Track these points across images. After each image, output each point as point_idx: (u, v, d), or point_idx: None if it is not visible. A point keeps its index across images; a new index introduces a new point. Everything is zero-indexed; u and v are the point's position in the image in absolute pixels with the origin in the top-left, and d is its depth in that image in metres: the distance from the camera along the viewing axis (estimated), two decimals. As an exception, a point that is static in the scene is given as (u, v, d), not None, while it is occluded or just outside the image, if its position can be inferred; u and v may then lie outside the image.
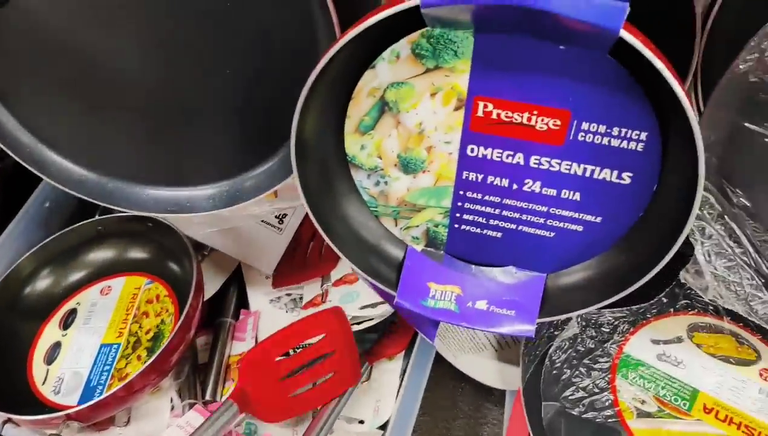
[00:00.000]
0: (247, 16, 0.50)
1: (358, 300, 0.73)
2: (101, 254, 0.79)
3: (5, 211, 0.84)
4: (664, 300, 0.66)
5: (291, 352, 0.68)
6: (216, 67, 0.52)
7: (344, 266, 0.78)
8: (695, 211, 0.44)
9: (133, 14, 0.50)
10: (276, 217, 0.83)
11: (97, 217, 0.80)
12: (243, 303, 0.82)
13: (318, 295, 0.77)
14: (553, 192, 0.50)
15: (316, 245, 0.81)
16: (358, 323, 0.71)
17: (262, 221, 0.82)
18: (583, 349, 0.64)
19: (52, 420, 0.63)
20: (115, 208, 0.61)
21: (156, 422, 0.70)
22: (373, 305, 0.72)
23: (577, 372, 0.63)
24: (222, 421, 0.62)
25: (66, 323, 0.75)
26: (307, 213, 0.81)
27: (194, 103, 0.55)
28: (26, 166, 0.58)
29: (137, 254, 0.79)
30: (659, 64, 0.40)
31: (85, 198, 0.60)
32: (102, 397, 0.64)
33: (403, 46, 0.46)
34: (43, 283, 0.77)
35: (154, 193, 0.61)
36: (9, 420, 0.64)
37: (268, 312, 0.79)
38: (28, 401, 0.69)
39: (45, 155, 0.59)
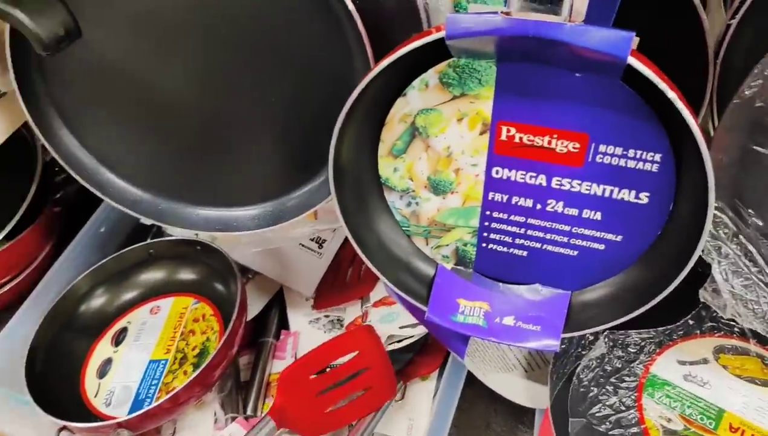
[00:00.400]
0: (291, 50, 0.54)
1: (398, 320, 0.76)
2: (152, 276, 0.84)
3: (65, 235, 0.90)
4: (690, 322, 0.68)
5: (327, 369, 0.71)
6: (262, 96, 0.57)
7: (384, 289, 0.81)
8: (707, 230, 0.46)
9: (185, 46, 0.55)
10: (316, 242, 0.87)
11: (148, 240, 0.85)
12: (284, 324, 0.85)
13: (358, 316, 0.80)
14: (575, 212, 0.53)
15: (355, 269, 0.85)
16: (398, 342, 0.74)
17: (303, 245, 0.86)
18: (610, 368, 0.66)
19: (104, 428, 0.67)
20: (167, 226, 0.65)
21: (200, 434, 0.73)
22: (413, 326, 0.75)
23: (604, 390, 0.64)
24: (256, 436, 0.66)
25: (117, 341, 0.80)
26: (345, 237, 0.86)
27: (241, 129, 0.59)
28: (87, 186, 0.63)
29: (186, 275, 0.83)
30: (670, 93, 0.42)
31: (140, 217, 0.65)
32: (150, 407, 0.67)
33: (432, 75, 0.50)
34: (97, 302, 0.82)
35: (203, 212, 0.65)
36: (64, 428, 0.68)
37: (307, 333, 0.82)
38: (81, 413, 0.73)
39: (104, 177, 0.64)
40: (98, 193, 0.64)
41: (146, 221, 0.88)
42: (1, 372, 0.78)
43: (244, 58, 0.55)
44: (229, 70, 0.56)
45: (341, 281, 0.85)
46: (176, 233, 0.87)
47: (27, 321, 0.79)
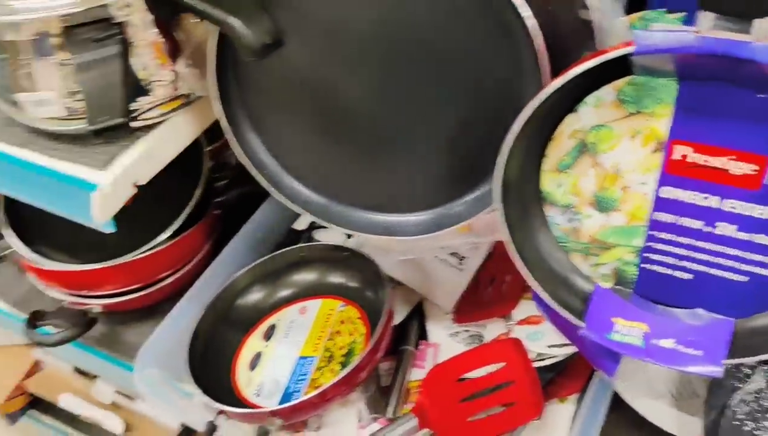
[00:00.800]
0: (466, 64, 0.57)
1: (545, 339, 0.76)
2: (303, 277, 0.88)
3: (223, 236, 0.96)
4: None
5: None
6: (435, 108, 0.60)
7: (528, 307, 0.81)
8: None
9: (370, 58, 0.59)
10: (457, 257, 0.89)
11: (301, 244, 0.89)
12: (423, 335, 0.87)
13: (501, 333, 0.81)
14: (747, 236, 0.52)
15: (496, 287, 0.86)
16: (541, 360, 0.74)
17: (444, 260, 0.88)
18: (767, 404, 0.63)
19: (259, 415, 0.72)
20: (333, 226, 0.69)
21: (344, 431, 0.76)
22: (560, 345, 0.75)
23: (760, 426, 0.62)
24: (400, 430, 0.68)
25: (267, 336, 0.85)
26: (486, 255, 0.87)
27: (412, 139, 0.63)
28: (267, 187, 0.68)
29: (334, 279, 0.87)
30: None
31: (310, 216, 0.69)
32: (300, 400, 0.71)
33: (608, 92, 0.51)
34: (253, 297, 0.87)
35: (369, 216, 0.68)
36: (222, 412, 0.73)
37: (447, 345, 0.84)
38: (234, 401, 0.77)
39: (281, 178, 0.69)
40: (276, 194, 0.68)
41: (299, 226, 0.94)
42: (161, 357, 0.83)
43: (422, 72, 0.58)
44: (408, 82, 0.59)
45: (482, 298, 0.86)
46: (326, 238, 0.91)
47: (187, 312, 0.85)
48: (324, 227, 0.91)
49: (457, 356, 0.71)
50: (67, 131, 0.62)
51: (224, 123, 0.64)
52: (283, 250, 0.88)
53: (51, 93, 0.59)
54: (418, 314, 0.89)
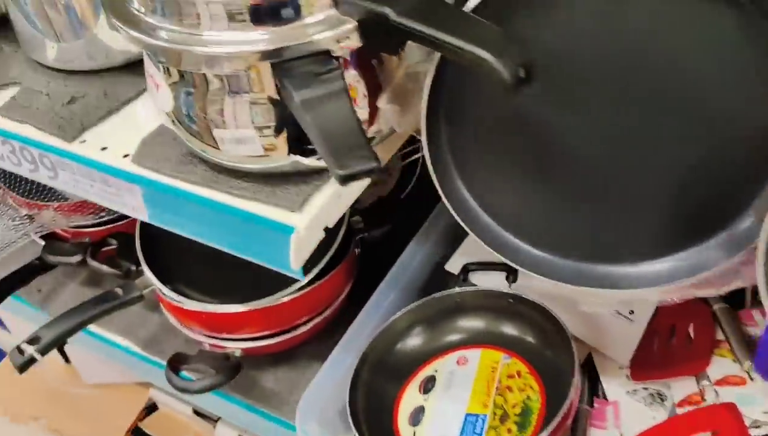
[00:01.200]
0: (714, 108, 0.51)
1: (757, 405, 0.68)
2: (462, 325, 0.82)
3: (360, 277, 0.91)
4: None
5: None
6: (671, 147, 0.54)
7: (722, 364, 0.74)
8: None
9: (595, 97, 0.54)
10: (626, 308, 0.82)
11: (456, 289, 0.83)
12: (593, 390, 0.80)
13: (694, 393, 0.73)
14: None
15: (679, 340, 0.78)
16: (757, 427, 0.66)
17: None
18: None
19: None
20: (540, 277, 0.63)
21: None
22: (781, 413, 0.67)
23: None
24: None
25: (425, 388, 0.78)
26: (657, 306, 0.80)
27: (633, 185, 0.57)
28: (468, 229, 0.63)
29: (501, 329, 0.81)
30: None
31: (511, 264, 0.64)
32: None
33: None
34: (409, 344, 0.82)
35: (575, 265, 0.62)
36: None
37: (626, 404, 0.76)
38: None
39: (483, 220, 0.64)
40: (477, 237, 0.63)
41: (452, 268, 0.89)
42: (319, 410, 0.78)
43: (658, 114, 0.53)
44: (639, 123, 0.54)
45: (661, 353, 0.79)
46: (483, 282, 0.85)
47: (342, 362, 0.80)
48: (481, 270, 0.86)
49: (664, 423, 0.64)
50: (261, 170, 0.57)
51: (430, 162, 0.59)
52: (439, 294, 0.82)
53: (249, 130, 0.55)
54: (588, 369, 0.82)
